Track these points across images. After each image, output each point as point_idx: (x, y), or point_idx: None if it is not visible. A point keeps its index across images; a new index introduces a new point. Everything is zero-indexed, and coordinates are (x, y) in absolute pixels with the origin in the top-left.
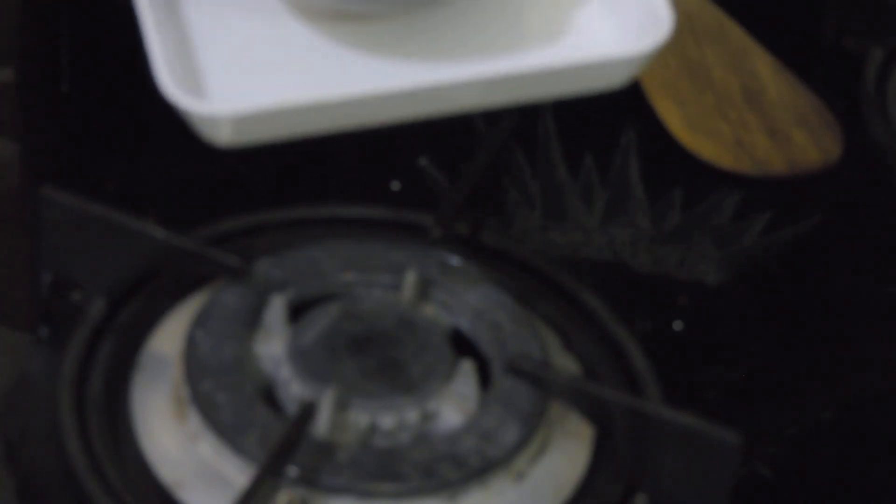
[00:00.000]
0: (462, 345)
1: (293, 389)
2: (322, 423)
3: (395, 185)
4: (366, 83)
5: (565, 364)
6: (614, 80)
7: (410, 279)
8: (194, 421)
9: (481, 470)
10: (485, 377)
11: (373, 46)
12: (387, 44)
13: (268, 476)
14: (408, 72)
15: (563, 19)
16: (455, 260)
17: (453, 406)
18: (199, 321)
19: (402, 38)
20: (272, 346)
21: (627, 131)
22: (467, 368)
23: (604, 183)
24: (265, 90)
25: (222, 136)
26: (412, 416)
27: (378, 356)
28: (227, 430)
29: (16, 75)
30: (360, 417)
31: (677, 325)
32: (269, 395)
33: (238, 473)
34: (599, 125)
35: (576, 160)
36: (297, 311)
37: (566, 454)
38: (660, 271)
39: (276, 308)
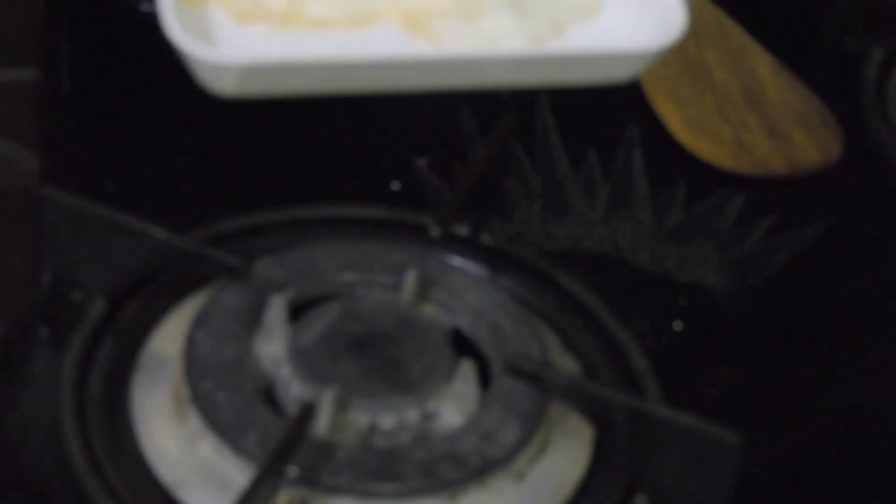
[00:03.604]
0: (462, 345)
1: (293, 389)
2: (322, 423)
3: (395, 185)
4: (376, 48)
5: (565, 364)
6: (620, 74)
7: (410, 279)
8: (194, 421)
9: (481, 470)
10: (485, 377)
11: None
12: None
13: (268, 476)
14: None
15: (580, 6)
16: (455, 260)
17: (453, 406)
18: (199, 321)
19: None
20: (272, 346)
21: (631, 126)
22: (467, 368)
23: (606, 177)
24: (274, 44)
25: (227, 86)
26: (412, 416)
27: (378, 356)
28: (227, 430)
29: (27, 76)
30: (360, 417)
31: (677, 325)
32: (269, 395)
33: (238, 473)
34: (603, 120)
35: (578, 155)
36: (297, 311)
37: (566, 454)
38: (660, 271)
39: (276, 308)
